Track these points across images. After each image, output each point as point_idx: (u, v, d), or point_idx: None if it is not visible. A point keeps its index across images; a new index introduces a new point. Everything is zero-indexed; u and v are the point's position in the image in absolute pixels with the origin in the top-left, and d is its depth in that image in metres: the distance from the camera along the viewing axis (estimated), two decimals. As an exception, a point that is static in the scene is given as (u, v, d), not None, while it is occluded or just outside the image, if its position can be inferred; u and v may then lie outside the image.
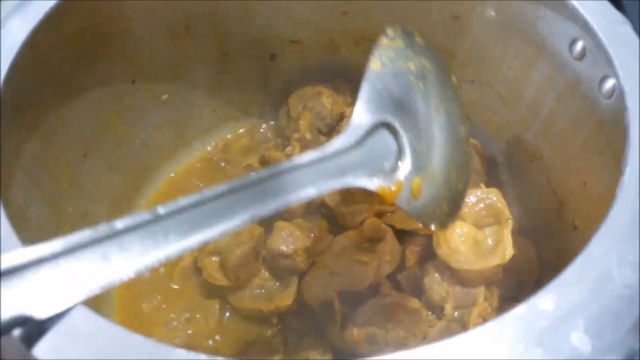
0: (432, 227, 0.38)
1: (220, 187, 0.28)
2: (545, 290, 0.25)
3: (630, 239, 0.26)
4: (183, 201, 0.27)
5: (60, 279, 0.24)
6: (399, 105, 0.37)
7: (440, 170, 0.39)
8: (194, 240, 0.27)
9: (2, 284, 0.23)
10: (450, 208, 0.40)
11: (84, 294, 0.24)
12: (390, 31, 0.40)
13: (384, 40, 0.39)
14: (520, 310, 0.24)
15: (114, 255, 0.25)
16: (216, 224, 0.28)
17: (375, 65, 0.38)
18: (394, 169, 0.36)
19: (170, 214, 0.27)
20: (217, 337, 0.48)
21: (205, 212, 0.28)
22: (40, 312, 0.23)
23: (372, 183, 0.34)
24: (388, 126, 0.36)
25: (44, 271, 0.24)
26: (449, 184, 0.40)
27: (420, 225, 0.48)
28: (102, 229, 0.25)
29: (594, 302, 0.24)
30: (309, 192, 0.31)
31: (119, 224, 0.26)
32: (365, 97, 0.36)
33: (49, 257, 0.24)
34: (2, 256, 0.23)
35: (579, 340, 0.23)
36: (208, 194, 0.28)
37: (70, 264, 0.24)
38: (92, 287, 0.24)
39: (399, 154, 0.36)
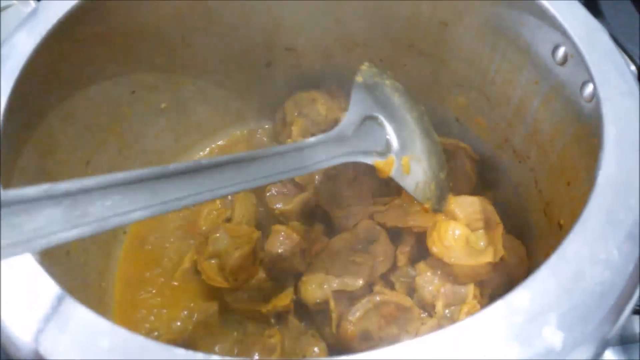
0: (427, 206, 0.47)
1: (257, 152, 0.35)
2: (520, 288, 0.26)
3: (602, 238, 0.28)
4: (223, 158, 0.32)
5: (117, 204, 0.27)
6: (381, 104, 0.48)
7: (423, 156, 0.48)
8: (232, 188, 0.33)
9: None
10: (438, 191, 0.48)
11: (135, 219, 0.28)
12: (366, 63, 0.50)
13: (363, 66, 0.50)
14: (497, 307, 0.26)
15: (164, 191, 0.29)
16: (251, 178, 0.34)
17: (359, 79, 0.48)
18: (386, 150, 0.46)
19: (212, 166, 0.32)
20: (217, 338, 0.48)
21: (242, 169, 0.34)
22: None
23: (369, 159, 0.44)
24: (376, 120, 0.46)
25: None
26: (433, 169, 0.48)
27: (410, 223, 0.49)
28: (157, 169, 0.29)
29: (567, 299, 0.26)
30: (321, 164, 0.40)
31: (171, 167, 0.30)
32: (354, 99, 0.46)
33: (116, 184, 0.27)
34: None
35: (552, 334, 0.25)
36: (244, 155, 0.34)
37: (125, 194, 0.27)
38: (146, 213, 0.28)
39: (388, 140, 0.46)
